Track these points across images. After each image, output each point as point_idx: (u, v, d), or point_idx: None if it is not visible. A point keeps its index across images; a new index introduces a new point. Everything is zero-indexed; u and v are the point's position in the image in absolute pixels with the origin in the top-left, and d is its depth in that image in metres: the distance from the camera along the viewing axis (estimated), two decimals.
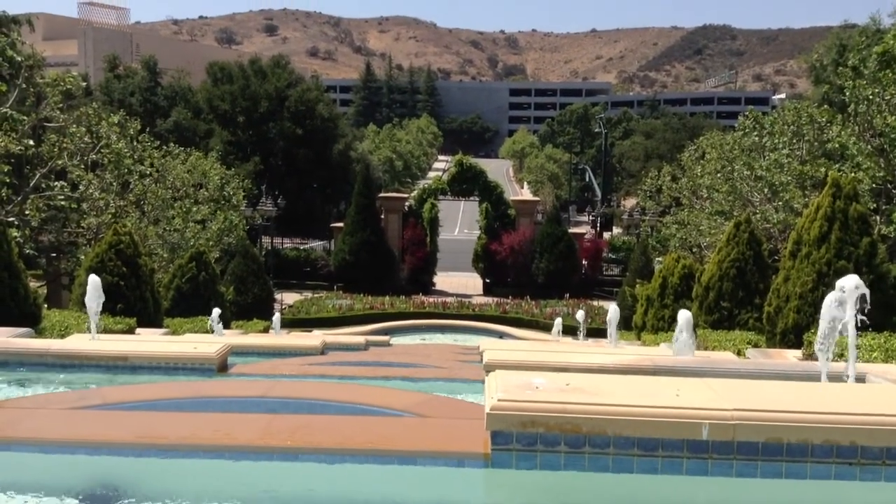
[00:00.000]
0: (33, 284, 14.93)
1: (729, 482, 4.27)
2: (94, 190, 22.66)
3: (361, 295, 36.28)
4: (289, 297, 36.22)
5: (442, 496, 4.65)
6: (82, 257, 19.69)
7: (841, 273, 7.53)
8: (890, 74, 18.53)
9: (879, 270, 10.83)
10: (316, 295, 37.57)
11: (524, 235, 41.62)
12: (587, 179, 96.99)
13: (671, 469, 4.29)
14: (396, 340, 21.52)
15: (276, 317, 19.50)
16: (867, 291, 6.00)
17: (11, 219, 19.14)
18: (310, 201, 59.74)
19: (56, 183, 21.54)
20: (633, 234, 47.35)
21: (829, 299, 6.06)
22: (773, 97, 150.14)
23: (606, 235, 59.60)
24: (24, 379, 7.76)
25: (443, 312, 33.00)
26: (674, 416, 4.29)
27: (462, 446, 4.69)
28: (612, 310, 13.62)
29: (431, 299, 36.24)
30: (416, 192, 48.64)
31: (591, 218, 73.01)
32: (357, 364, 10.40)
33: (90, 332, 9.44)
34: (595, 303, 35.61)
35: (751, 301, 14.14)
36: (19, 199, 20.50)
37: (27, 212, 20.19)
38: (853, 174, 17.50)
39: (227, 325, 16.41)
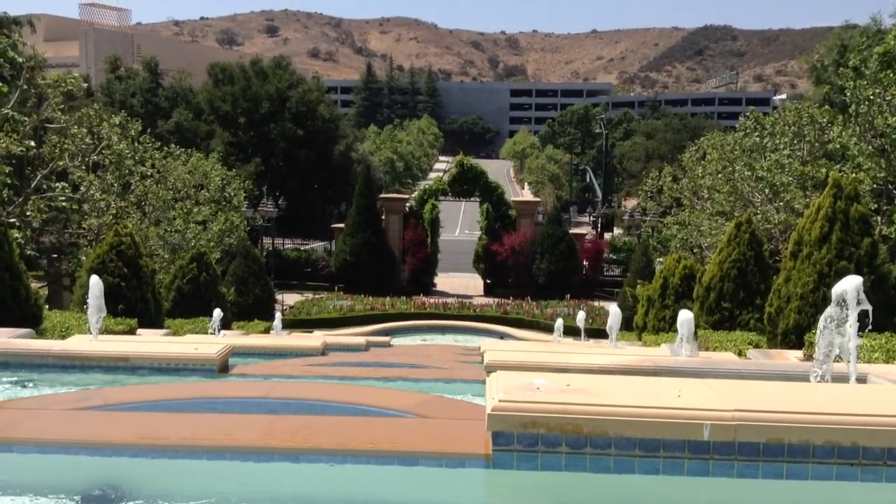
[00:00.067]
0: (34, 285, 14.93)
1: (730, 483, 4.27)
2: (96, 191, 22.67)
3: (362, 296, 36.29)
4: (290, 298, 36.23)
5: (443, 497, 4.65)
6: (83, 258, 19.70)
7: (842, 273, 7.53)
8: (891, 75, 18.52)
9: (880, 271, 10.82)
10: (317, 296, 37.58)
11: (525, 236, 41.62)
12: (588, 180, 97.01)
13: (672, 470, 4.29)
14: (397, 341, 21.51)
15: (277, 317, 19.52)
16: (869, 307, 5.95)
17: (13, 220, 19.15)
18: (311, 202, 59.75)
19: (57, 184, 21.55)
20: (633, 235, 47.33)
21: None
22: (774, 98, 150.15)
23: (607, 236, 59.57)
24: (25, 380, 7.77)
25: (443, 313, 33.00)
26: (675, 416, 4.29)
27: (463, 447, 4.69)
28: (613, 310, 13.61)
29: (432, 300, 36.24)
30: (416, 192, 48.64)
31: (591, 219, 73.06)
32: (358, 365, 10.40)
33: (91, 333, 9.44)
34: (596, 303, 35.60)
35: (752, 302, 14.13)
36: (20, 200, 20.51)
37: (28, 213, 20.20)
38: (854, 175, 17.50)
39: (228, 326, 16.43)
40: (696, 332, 10.13)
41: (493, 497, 4.69)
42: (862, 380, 6.40)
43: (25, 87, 20.08)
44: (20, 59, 19.21)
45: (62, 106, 21.46)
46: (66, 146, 21.80)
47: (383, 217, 42.66)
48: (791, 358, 9.67)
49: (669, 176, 35.14)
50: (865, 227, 11.12)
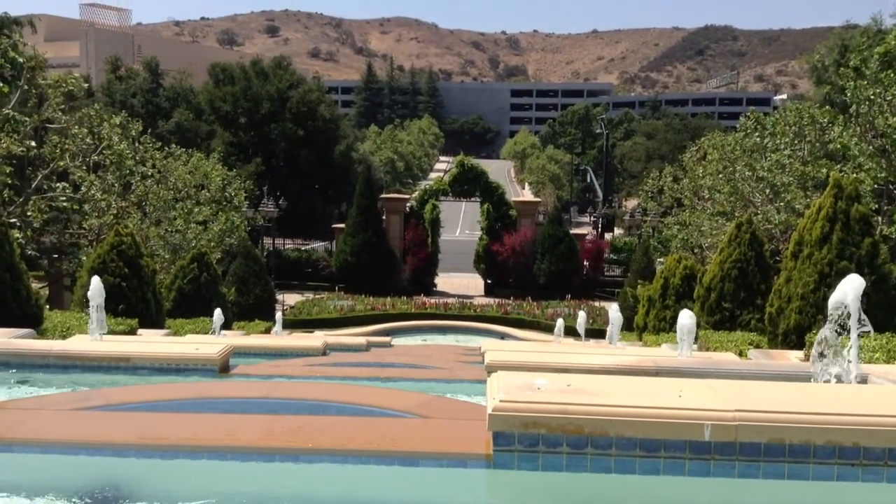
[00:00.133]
0: (35, 285, 14.93)
1: (731, 483, 4.27)
2: (96, 191, 22.68)
3: (363, 296, 36.32)
4: (290, 298, 36.25)
5: (444, 497, 4.65)
6: (84, 258, 19.70)
7: (843, 273, 7.51)
8: (891, 75, 18.53)
9: (881, 271, 10.82)
10: (317, 296, 37.62)
11: (525, 236, 41.62)
12: (588, 180, 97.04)
13: (673, 470, 4.29)
14: (398, 341, 21.53)
15: (278, 317, 19.52)
16: (870, 328, 5.94)
17: (13, 220, 19.15)
18: (311, 202, 59.73)
19: (58, 184, 21.55)
20: (634, 235, 47.33)
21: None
22: (775, 98, 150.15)
23: (608, 236, 59.57)
24: (26, 380, 7.77)
25: (444, 313, 33.02)
26: (676, 416, 4.29)
27: (464, 447, 4.69)
28: (614, 310, 13.60)
29: (433, 300, 36.26)
30: (417, 193, 48.66)
31: (592, 219, 73.01)
32: (358, 365, 10.41)
33: (92, 334, 9.44)
34: (597, 304, 35.61)
35: (752, 302, 14.13)
36: (21, 200, 20.52)
37: (29, 213, 20.21)
38: (855, 175, 17.50)
39: (228, 326, 16.43)
40: (696, 333, 10.11)
41: (493, 497, 4.69)
42: (863, 380, 6.40)
43: (26, 87, 20.07)
44: (21, 60, 19.20)
45: (63, 106, 21.47)
46: (66, 146, 21.81)
47: (384, 217, 42.67)
48: (792, 358, 9.67)
49: (670, 176, 35.14)
50: (866, 228, 11.12)
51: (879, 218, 18.43)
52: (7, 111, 18.49)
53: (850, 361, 5.98)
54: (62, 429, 5.12)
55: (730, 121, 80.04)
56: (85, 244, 23.33)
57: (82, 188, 22.53)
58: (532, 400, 4.40)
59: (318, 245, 57.33)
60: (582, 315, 17.53)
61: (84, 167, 22.76)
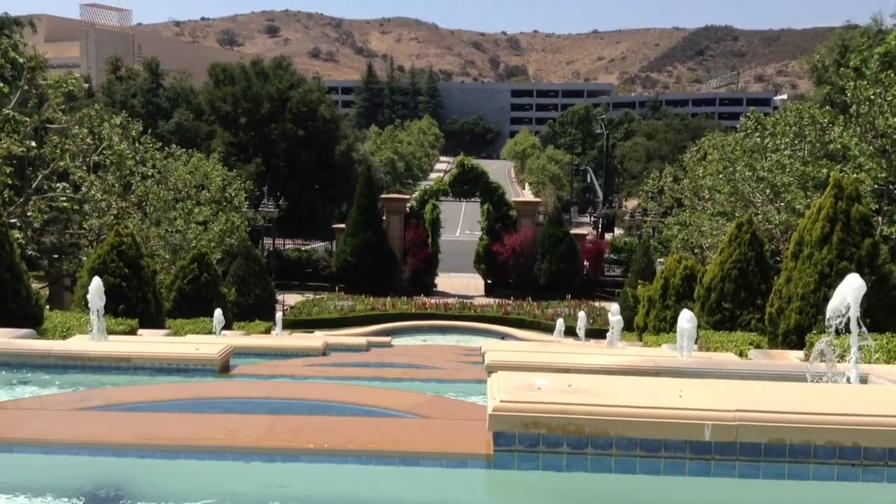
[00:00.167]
0: (35, 286, 14.93)
1: (731, 483, 4.27)
2: (96, 191, 22.68)
3: (363, 296, 36.33)
4: (290, 299, 36.26)
5: (444, 497, 4.65)
6: (84, 258, 19.70)
7: (843, 274, 7.51)
8: (892, 75, 18.53)
9: (881, 271, 10.81)
10: (318, 296, 37.63)
11: (526, 236, 41.62)
12: (589, 180, 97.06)
13: (674, 470, 4.29)
14: (398, 341, 21.54)
15: (278, 318, 19.52)
16: (870, 342, 5.94)
17: (14, 220, 19.16)
18: (311, 202, 59.74)
19: (58, 184, 21.56)
20: (634, 235, 47.33)
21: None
22: (775, 98, 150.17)
23: (608, 236, 59.57)
24: (26, 380, 7.77)
25: (444, 313, 33.03)
26: (676, 416, 4.29)
27: (464, 447, 4.69)
28: (614, 313, 13.59)
29: (433, 300, 36.27)
30: (417, 193, 48.68)
31: (592, 219, 73.03)
32: (359, 365, 10.42)
33: (92, 334, 9.44)
34: (597, 304, 35.62)
35: (753, 302, 14.12)
36: (21, 200, 20.53)
37: (29, 213, 20.22)
38: (855, 175, 17.50)
39: (229, 327, 16.42)
40: (696, 335, 10.09)
41: (494, 497, 4.69)
42: (863, 380, 6.40)
43: (26, 87, 20.09)
44: (21, 60, 19.20)
45: (63, 106, 21.47)
46: (67, 146, 21.82)
47: (384, 217, 42.68)
48: (792, 358, 9.67)
49: (670, 176, 35.15)
50: (866, 228, 11.11)
51: (880, 218, 18.43)
52: (7, 111, 18.49)
53: (851, 360, 5.98)
54: (63, 429, 5.13)
55: (730, 121, 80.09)
56: (85, 244, 23.34)
57: (82, 188, 22.53)
58: (532, 400, 4.40)
59: (319, 245, 57.34)
60: (582, 315, 17.53)
61: (84, 167, 22.76)
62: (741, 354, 10.94)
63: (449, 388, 7.81)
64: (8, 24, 31.83)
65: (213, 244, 26.36)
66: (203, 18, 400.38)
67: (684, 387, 4.88)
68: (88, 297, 9.30)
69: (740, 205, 25.16)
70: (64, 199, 21.18)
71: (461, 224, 73.04)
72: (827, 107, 27.54)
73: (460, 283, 45.35)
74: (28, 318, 11.06)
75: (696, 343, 9.54)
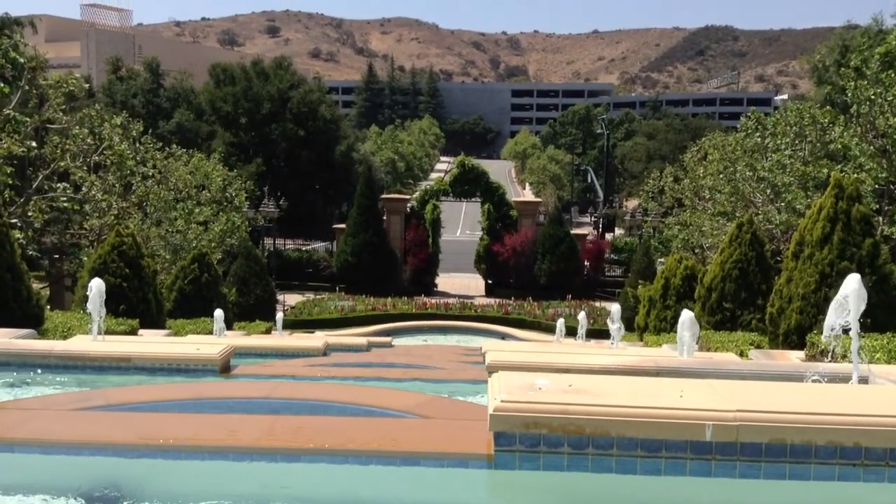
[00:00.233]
0: (36, 286, 14.93)
1: (732, 483, 4.27)
2: (97, 191, 22.68)
3: (363, 296, 36.32)
4: (291, 299, 36.26)
5: (445, 497, 4.65)
6: (85, 259, 19.71)
7: (844, 274, 7.52)
8: (892, 75, 18.52)
9: (882, 271, 10.81)
10: (318, 296, 37.63)
11: (526, 236, 41.62)
12: (589, 180, 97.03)
13: (675, 470, 4.29)
14: (398, 341, 21.54)
15: (279, 318, 19.53)
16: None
17: (14, 220, 19.15)
18: (312, 202, 59.78)
19: (59, 184, 21.56)
20: (635, 235, 47.32)
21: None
22: (776, 98, 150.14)
23: (608, 236, 59.55)
24: (27, 380, 7.77)
25: (445, 314, 33.02)
26: (677, 417, 4.28)
27: (465, 447, 4.69)
28: (614, 319, 13.56)
29: (433, 300, 36.26)
30: (418, 193, 48.68)
31: (593, 219, 73.05)
32: (359, 365, 10.42)
33: (93, 334, 9.44)
34: (597, 304, 35.61)
35: (753, 302, 14.12)
36: (22, 200, 20.53)
37: (30, 213, 20.22)
38: (856, 175, 17.49)
39: (229, 327, 16.43)
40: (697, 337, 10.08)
41: (495, 497, 4.69)
42: (864, 380, 6.40)
43: (27, 87, 20.09)
44: (22, 60, 19.20)
45: (64, 106, 21.47)
46: (67, 147, 21.82)
47: (385, 217, 42.68)
48: (793, 358, 9.67)
49: (671, 176, 35.16)
50: (867, 228, 11.11)
51: (880, 218, 18.43)
52: (8, 111, 18.50)
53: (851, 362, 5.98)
54: (63, 429, 5.13)
55: (730, 121, 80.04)
56: (86, 244, 23.35)
57: (83, 188, 22.54)
58: (533, 400, 4.40)
59: (319, 245, 57.33)
60: (583, 316, 17.52)
61: (85, 167, 22.77)
62: (742, 354, 10.93)
63: (449, 389, 7.81)
64: (8, 24, 31.82)
65: (213, 244, 26.37)
66: (203, 18, 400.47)
67: (685, 387, 4.88)
68: (89, 300, 9.26)
69: (741, 205, 25.15)
70: (64, 199, 21.19)
71: (462, 224, 73.05)
72: (827, 107, 27.52)
73: (461, 283, 45.35)
74: (29, 318, 11.06)
75: (696, 344, 9.52)
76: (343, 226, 43.46)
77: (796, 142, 24.44)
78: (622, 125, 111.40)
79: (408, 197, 49.31)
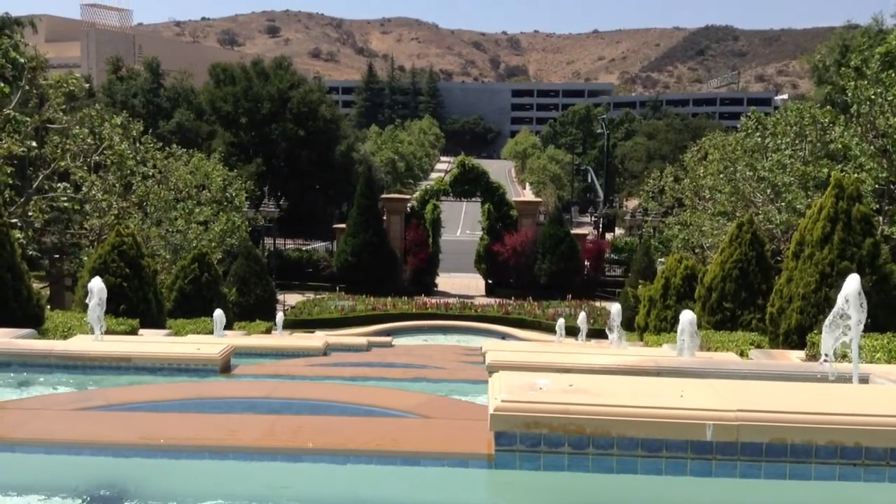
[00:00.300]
0: (36, 286, 14.93)
1: (733, 483, 4.27)
2: (97, 191, 22.68)
3: (364, 296, 36.31)
4: (291, 299, 36.27)
5: (445, 497, 4.65)
6: (85, 259, 19.71)
7: (844, 274, 7.51)
8: (893, 75, 18.51)
9: (882, 271, 10.80)
10: (318, 296, 37.62)
11: (526, 236, 41.61)
12: (589, 180, 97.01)
13: (675, 470, 4.29)
14: (399, 341, 21.54)
15: (279, 318, 19.51)
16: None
17: (14, 220, 19.15)
18: (312, 202, 59.78)
19: (59, 184, 21.55)
20: (635, 235, 47.31)
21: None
22: (776, 98, 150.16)
23: (609, 236, 59.55)
24: (27, 380, 7.77)
25: (445, 313, 33.01)
26: (677, 416, 4.29)
27: (466, 447, 4.69)
28: (615, 319, 13.53)
29: (434, 300, 36.25)
30: (418, 193, 48.66)
31: (593, 219, 73.04)
32: (360, 365, 10.42)
33: (93, 334, 9.43)
34: (597, 304, 35.60)
35: (753, 302, 14.11)
36: (22, 200, 20.53)
37: (30, 213, 20.22)
38: (856, 175, 17.48)
39: (229, 327, 16.43)
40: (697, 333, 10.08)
41: (495, 497, 4.69)
42: (864, 380, 6.40)
43: (27, 87, 20.07)
44: (22, 60, 19.19)
45: (64, 106, 21.46)
46: (67, 147, 21.81)
47: (385, 217, 42.68)
48: (793, 358, 9.67)
49: (671, 176, 35.15)
50: (867, 228, 11.10)
51: (881, 218, 18.43)
52: (8, 111, 18.50)
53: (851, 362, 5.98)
54: (64, 429, 5.13)
55: (731, 121, 80.00)
56: (86, 244, 23.34)
57: (83, 188, 22.53)
58: (534, 400, 4.40)
59: (319, 245, 57.33)
60: (583, 316, 17.52)
61: (85, 167, 22.76)
62: (742, 354, 10.93)
63: (450, 388, 7.81)
64: (9, 24, 31.81)
65: (213, 244, 26.37)
66: (204, 18, 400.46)
67: (685, 387, 4.88)
68: (90, 307, 9.22)
69: (741, 205, 25.15)
70: (65, 199, 21.18)
71: (462, 224, 73.05)
72: (828, 107, 27.50)
73: (461, 282, 45.35)
74: (29, 318, 11.06)
75: (697, 346, 9.51)
76: (343, 226, 43.45)
77: (796, 142, 24.43)
78: (622, 125, 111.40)
79: (408, 197, 49.30)
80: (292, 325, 28.27)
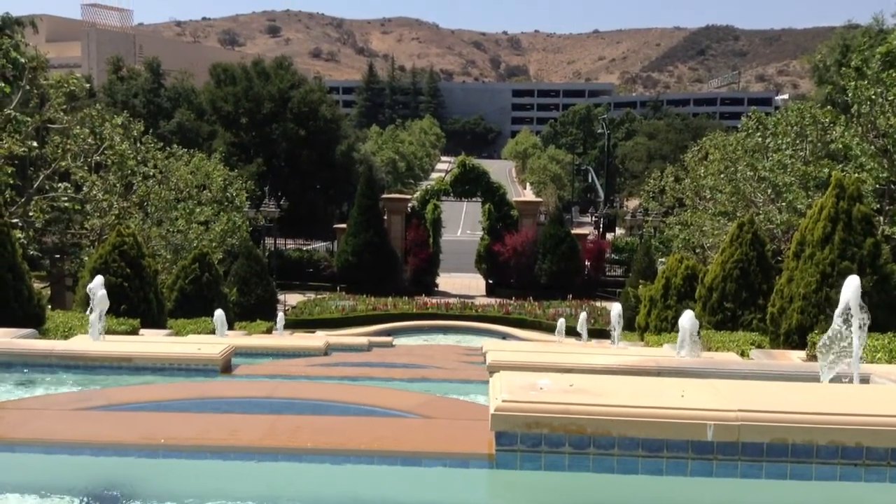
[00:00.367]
0: (37, 286, 14.95)
1: (734, 483, 4.27)
2: (98, 191, 22.69)
3: (364, 296, 36.30)
4: (292, 298, 36.27)
5: (446, 497, 4.65)
6: (86, 258, 19.71)
7: (845, 274, 7.52)
8: (893, 75, 18.52)
9: (883, 271, 10.80)
10: (319, 296, 37.62)
11: (527, 236, 41.60)
12: (590, 180, 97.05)
13: (676, 470, 4.29)
14: (399, 341, 21.53)
15: (280, 317, 19.53)
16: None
17: (15, 220, 19.16)
18: (313, 202, 59.78)
19: (60, 184, 21.57)
20: (636, 235, 47.30)
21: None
22: (776, 98, 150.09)
23: (609, 236, 59.53)
24: (28, 380, 7.77)
25: (446, 313, 33.00)
26: (678, 416, 4.28)
27: (466, 447, 4.69)
28: (616, 310, 13.55)
29: (434, 300, 36.25)
30: (418, 193, 48.66)
31: (593, 219, 72.95)
32: (360, 365, 10.41)
33: (94, 334, 9.43)
34: (598, 304, 35.59)
35: (754, 302, 14.11)
36: (23, 200, 20.54)
37: (31, 213, 20.23)
38: (857, 175, 17.48)
39: (230, 326, 16.43)
40: (698, 334, 10.07)
41: (496, 497, 4.69)
42: (865, 380, 6.40)
43: (28, 87, 20.09)
44: (23, 60, 19.21)
45: (64, 106, 21.48)
46: (68, 147, 21.82)
47: (385, 217, 42.67)
48: (794, 358, 9.67)
49: (671, 176, 35.15)
50: (868, 228, 11.10)
51: (881, 218, 18.44)
52: (9, 111, 18.51)
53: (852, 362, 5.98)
54: (65, 429, 5.13)
55: (731, 121, 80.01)
56: (87, 244, 23.35)
57: (84, 188, 22.55)
58: (535, 400, 4.40)
59: (320, 245, 57.34)
60: (583, 316, 17.52)
61: (86, 167, 22.78)
62: (743, 354, 10.94)
63: (450, 388, 7.81)
64: (9, 24, 31.80)
65: (214, 244, 26.38)
66: (204, 18, 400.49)
67: (686, 387, 4.88)
68: (90, 308, 9.22)
69: (742, 205, 25.15)
70: (65, 199, 21.19)
71: (462, 224, 73.05)
72: (828, 106, 27.51)
73: (461, 282, 45.34)
74: (30, 318, 11.07)
75: (698, 347, 9.50)
76: (344, 226, 43.45)
77: (797, 141, 24.43)
78: (623, 125, 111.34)
79: (408, 197, 49.29)
80: (293, 325, 28.28)
